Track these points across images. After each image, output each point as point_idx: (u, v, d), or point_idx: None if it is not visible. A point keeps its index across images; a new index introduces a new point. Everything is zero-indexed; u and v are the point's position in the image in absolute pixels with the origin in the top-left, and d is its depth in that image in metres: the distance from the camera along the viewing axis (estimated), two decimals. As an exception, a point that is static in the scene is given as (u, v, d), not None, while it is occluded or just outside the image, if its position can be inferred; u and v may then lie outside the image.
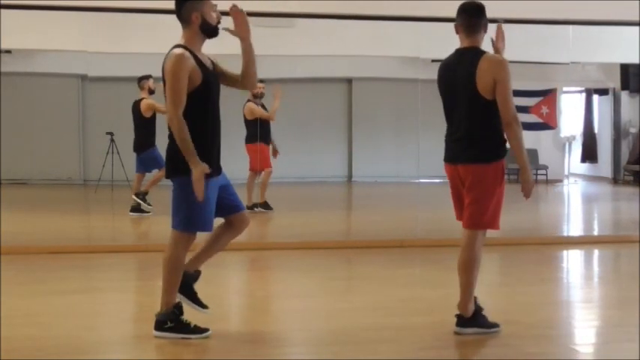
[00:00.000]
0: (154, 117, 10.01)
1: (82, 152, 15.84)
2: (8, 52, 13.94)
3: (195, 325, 4.42)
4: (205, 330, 4.43)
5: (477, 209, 4.46)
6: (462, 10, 4.55)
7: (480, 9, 4.53)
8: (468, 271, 4.49)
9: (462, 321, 4.54)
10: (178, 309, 4.41)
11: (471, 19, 4.50)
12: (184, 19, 4.36)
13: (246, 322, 4.72)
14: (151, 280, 6.73)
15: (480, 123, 4.46)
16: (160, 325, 4.39)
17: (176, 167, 4.33)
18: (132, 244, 7.86)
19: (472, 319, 4.54)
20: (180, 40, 4.36)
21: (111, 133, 13.71)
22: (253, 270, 6.96)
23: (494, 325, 4.59)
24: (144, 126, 10.03)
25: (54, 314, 5.05)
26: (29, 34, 9.06)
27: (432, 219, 9.42)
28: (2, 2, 7.14)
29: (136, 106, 10.18)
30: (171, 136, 4.32)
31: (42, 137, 15.54)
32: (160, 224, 9.60)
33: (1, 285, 5.71)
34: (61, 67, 14.74)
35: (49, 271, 6.68)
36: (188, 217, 4.34)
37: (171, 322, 4.37)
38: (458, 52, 4.58)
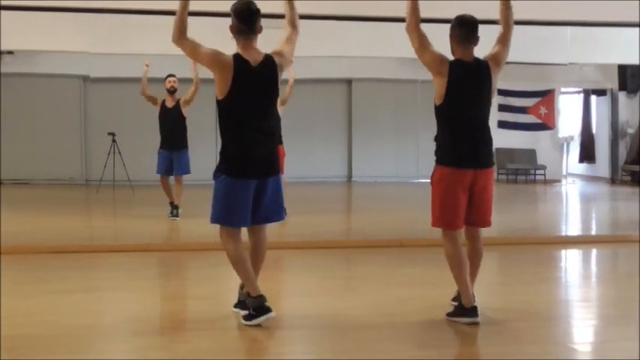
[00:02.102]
0: (163, 118, 9.97)
1: (83, 152, 15.89)
2: (10, 53, 14.00)
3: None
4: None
5: (490, 208, 4.91)
6: (462, 23, 4.76)
7: (477, 23, 4.79)
8: (481, 258, 5.00)
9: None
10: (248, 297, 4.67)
11: (475, 33, 4.75)
12: (258, 32, 4.78)
13: (247, 321, 4.75)
14: (152, 279, 6.77)
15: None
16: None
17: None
18: (134, 244, 7.87)
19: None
20: (259, 48, 4.77)
21: (112, 134, 13.77)
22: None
23: None
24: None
25: (55, 313, 5.07)
26: (31, 35, 9.06)
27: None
28: (4, 3, 7.17)
29: None
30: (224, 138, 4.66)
31: (44, 138, 15.56)
32: (161, 224, 9.68)
33: (2, 284, 5.75)
34: (62, 68, 14.75)
35: (51, 270, 6.71)
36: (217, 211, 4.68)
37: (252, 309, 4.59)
38: (472, 61, 4.74)
